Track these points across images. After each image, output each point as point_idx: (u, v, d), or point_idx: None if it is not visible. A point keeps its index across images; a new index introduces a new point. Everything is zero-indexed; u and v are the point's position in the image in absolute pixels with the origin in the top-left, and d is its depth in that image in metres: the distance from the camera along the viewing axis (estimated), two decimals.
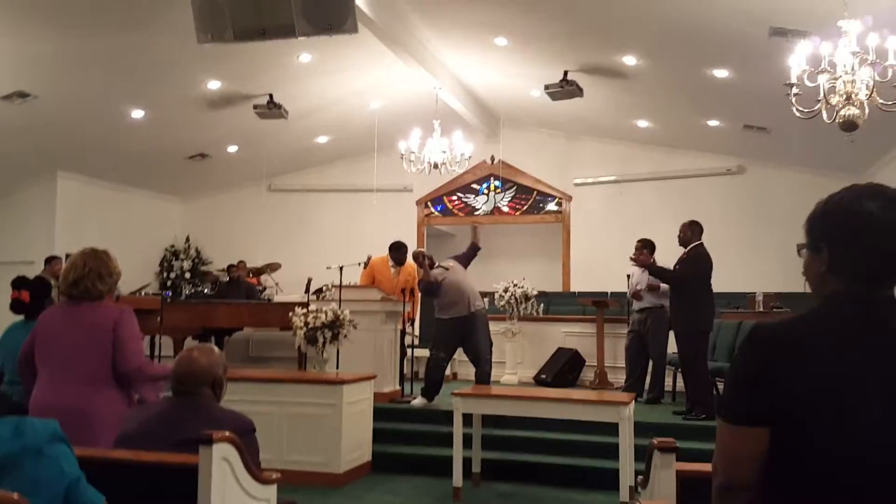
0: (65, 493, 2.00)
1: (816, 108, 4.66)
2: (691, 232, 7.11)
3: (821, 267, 1.54)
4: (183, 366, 2.78)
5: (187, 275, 12.90)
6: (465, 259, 7.50)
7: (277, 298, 10.20)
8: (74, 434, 2.79)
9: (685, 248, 7.10)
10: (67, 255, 9.56)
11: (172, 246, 13.22)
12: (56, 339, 3.29)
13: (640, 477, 2.84)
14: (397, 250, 8.10)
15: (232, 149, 11.48)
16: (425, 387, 7.13)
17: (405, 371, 7.88)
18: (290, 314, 6.53)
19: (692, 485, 2.35)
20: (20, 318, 4.05)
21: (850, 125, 4.47)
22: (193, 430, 2.56)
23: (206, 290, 11.30)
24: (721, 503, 1.49)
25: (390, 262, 8.13)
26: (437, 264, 7.39)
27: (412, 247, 12.09)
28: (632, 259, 7.49)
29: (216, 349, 2.95)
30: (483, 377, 7.06)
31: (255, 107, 9.51)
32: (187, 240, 13.30)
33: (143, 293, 10.54)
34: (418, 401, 7.11)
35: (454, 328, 7.08)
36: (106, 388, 3.25)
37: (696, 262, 6.91)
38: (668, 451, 2.44)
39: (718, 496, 1.49)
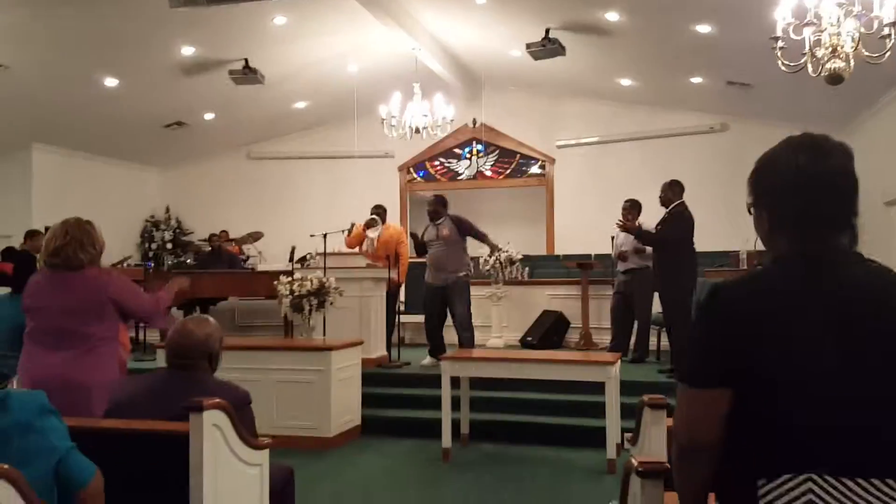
0: (56, 466, 1.98)
1: (802, 61, 4.62)
2: (672, 192, 7.10)
3: (765, 224, 1.54)
4: (178, 338, 2.73)
5: (169, 245, 12.77)
6: (466, 233, 7.55)
7: (261, 267, 10.13)
8: (68, 403, 2.77)
9: (667, 208, 7.10)
10: (45, 228, 9.45)
11: (152, 217, 13.06)
12: (42, 310, 3.25)
13: (628, 434, 2.86)
14: (375, 212, 8.03)
15: (209, 116, 11.29)
16: (430, 347, 7.50)
17: (393, 337, 7.87)
18: (275, 283, 6.48)
19: None
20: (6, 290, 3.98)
21: (835, 78, 4.44)
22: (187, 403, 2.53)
23: (188, 261, 11.20)
24: (683, 464, 1.49)
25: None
26: (435, 224, 7.53)
27: (395, 211, 12.14)
28: (618, 225, 7.51)
29: (212, 320, 2.91)
30: (463, 343, 7.26)
31: (231, 72, 9.33)
32: (167, 210, 13.14)
33: (125, 265, 10.43)
34: (427, 360, 7.36)
35: (431, 292, 7.45)
36: (97, 356, 3.22)
37: (678, 223, 6.92)
38: (658, 408, 2.45)
39: (681, 457, 1.49)
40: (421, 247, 7.63)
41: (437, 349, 7.30)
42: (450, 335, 7.61)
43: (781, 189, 1.49)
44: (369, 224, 7.84)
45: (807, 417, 1.37)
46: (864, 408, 1.36)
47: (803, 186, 1.46)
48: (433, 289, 7.45)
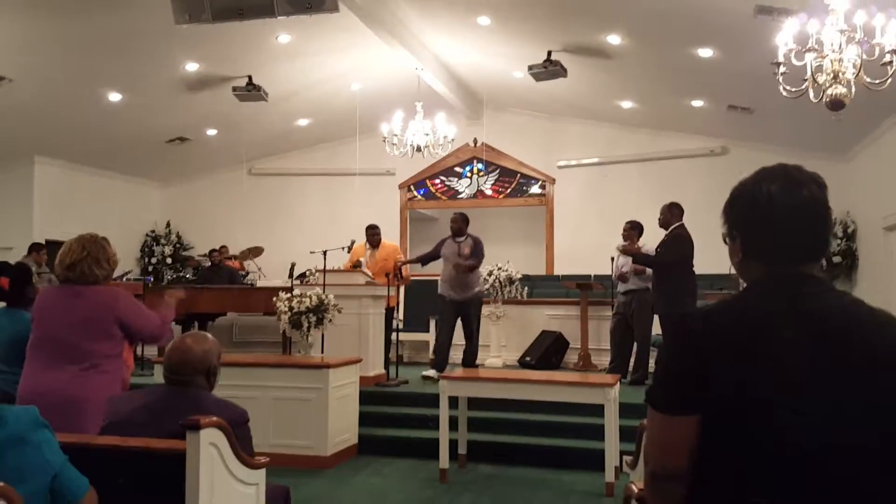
0: (51, 480, 1.97)
1: (803, 87, 4.65)
2: (671, 214, 7.13)
3: (738, 254, 1.54)
4: (176, 355, 2.71)
5: (168, 260, 12.76)
6: (479, 255, 7.77)
7: (260, 283, 10.13)
8: (67, 420, 2.76)
9: (666, 230, 7.12)
10: (46, 241, 9.46)
11: (153, 231, 13.07)
12: (52, 324, 3.25)
13: (627, 457, 2.83)
14: (370, 231, 8.05)
15: (211, 132, 11.33)
16: (436, 360, 7.75)
17: (390, 354, 7.85)
18: (275, 299, 6.47)
19: None
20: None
21: (837, 104, 4.46)
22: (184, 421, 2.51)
23: (188, 276, 11.20)
24: (654, 492, 1.48)
25: (366, 245, 8.08)
26: (456, 240, 7.73)
27: (395, 229, 12.15)
28: (619, 249, 7.55)
29: (210, 336, 2.90)
30: (469, 358, 7.63)
31: (235, 89, 9.37)
32: (168, 225, 13.15)
33: (125, 279, 10.42)
34: (432, 372, 7.53)
35: (449, 306, 7.67)
36: (99, 373, 3.21)
37: (677, 245, 6.93)
38: None
39: (652, 485, 1.48)
40: (429, 258, 7.81)
41: (443, 363, 7.52)
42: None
43: (754, 219, 1.50)
44: (372, 244, 7.95)
45: (775, 448, 1.36)
46: (833, 440, 1.35)
47: (775, 217, 1.47)
48: (451, 302, 7.58)
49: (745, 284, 1.56)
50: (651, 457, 1.47)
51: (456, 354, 8.10)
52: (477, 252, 7.68)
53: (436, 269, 11.41)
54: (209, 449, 2.48)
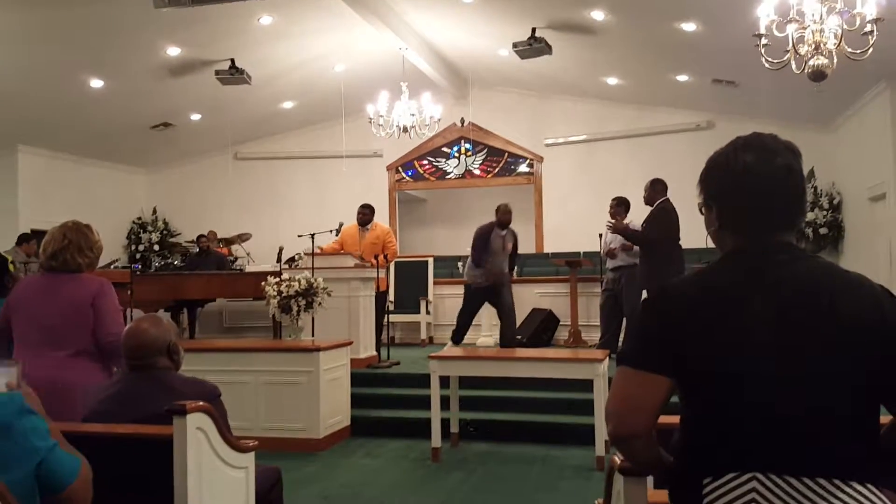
0: (36, 468, 1.96)
1: (785, 58, 4.65)
2: (654, 190, 7.16)
3: (714, 223, 1.55)
4: (133, 339, 2.70)
5: (156, 247, 12.71)
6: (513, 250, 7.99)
7: (249, 268, 10.10)
8: (55, 406, 2.74)
9: (651, 206, 7.15)
10: (32, 231, 9.39)
11: (139, 218, 12.99)
12: (34, 311, 3.24)
13: None
14: (360, 210, 8.03)
15: (195, 117, 11.24)
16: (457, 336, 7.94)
17: (382, 336, 7.86)
18: (263, 284, 6.46)
19: (667, 436, 2.37)
20: None
21: (818, 75, 4.47)
22: (156, 405, 2.50)
23: (175, 262, 11.16)
24: (622, 450, 1.53)
25: (357, 225, 8.07)
26: (501, 234, 7.78)
27: (385, 210, 12.13)
28: (608, 225, 7.57)
29: (164, 318, 2.90)
30: (510, 337, 7.81)
31: (217, 73, 9.29)
32: (154, 212, 13.08)
33: (112, 267, 10.38)
34: (449, 345, 7.77)
35: (479, 291, 7.81)
36: (86, 359, 3.22)
37: (663, 220, 6.97)
38: None
39: (616, 444, 1.52)
40: (480, 251, 7.68)
41: (461, 339, 7.86)
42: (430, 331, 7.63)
43: (729, 188, 1.51)
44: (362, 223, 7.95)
45: (748, 415, 1.38)
46: (804, 405, 1.36)
47: (750, 185, 1.48)
48: (482, 288, 7.67)
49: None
50: (613, 414, 1.49)
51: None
52: (515, 245, 7.95)
53: (423, 250, 11.42)
54: (196, 434, 2.48)
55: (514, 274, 8.53)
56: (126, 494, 2.40)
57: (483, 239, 7.72)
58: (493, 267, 7.63)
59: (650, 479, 1.69)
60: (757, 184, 1.47)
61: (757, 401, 1.37)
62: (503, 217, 7.82)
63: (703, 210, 1.60)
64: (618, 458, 1.69)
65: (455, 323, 8.00)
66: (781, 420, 1.36)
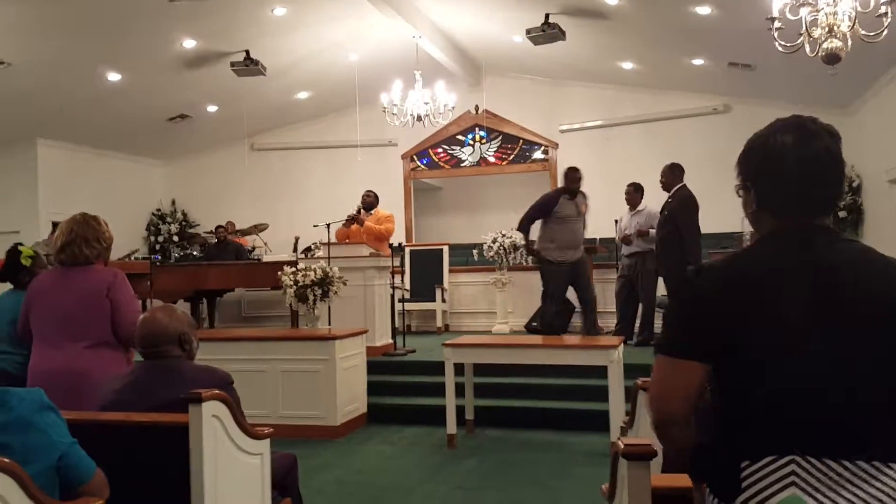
0: (57, 462, 2.01)
1: (799, 41, 4.60)
2: (672, 175, 7.10)
3: (752, 205, 1.55)
4: (145, 327, 2.75)
5: (175, 238, 12.84)
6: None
7: (266, 258, 10.19)
8: (75, 397, 2.81)
9: (668, 191, 7.10)
10: (53, 224, 9.53)
11: (159, 210, 13.12)
12: (49, 305, 3.30)
13: (626, 417, 2.87)
14: (365, 194, 8.16)
15: (212, 108, 11.32)
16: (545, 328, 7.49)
17: (397, 325, 7.91)
18: (280, 273, 6.52)
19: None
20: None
21: (832, 58, 4.43)
22: (169, 393, 2.55)
23: (194, 253, 11.27)
24: (663, 437, 1.53)
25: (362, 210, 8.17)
26: (572, 199, 7.31)
27: (399, 199, 12.17)
28: (632, 236, 7.54)
29: (178, 308, 2.94)
30: (592, 322, 7.44)
31: (233, 64, 9.34)
32: (173, 203, 13.20)
33: (132, 258, 10.51)
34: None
35: (565, 269, 7.34)
36: (105, 350, 3.26)
37: (687, 206, 6.91)
38: None
39: (659, 430, 1.53)
40: (531, 220, 7.33)
41: (561, 328, 7.33)
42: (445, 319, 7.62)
43: (767, 170, 1.51)
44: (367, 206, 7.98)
45: (786, 397, 1.38)
46: (843, 387, 1.36)
47: (790, 168, 1.48)
48: (567, 265, 7.23)
49: (752, 237, 1.57)
50: (653, 403, 1.50)
51: (475, 323, 8.09)
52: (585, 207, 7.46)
53: (439, 239, 11.45)
54: (212, 421, 2.53)
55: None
56: (143, 482, 2.45)
57: (542, 205, 7.39)
58: (561, 233, 7.22)
59: (654, 464, 1.71)
60: (797, 166, 1.47)
61: (795, 383, 1.38)
62: (571, 184, 7.37)
63: (739, 192, 1.60)
64: (621, 443, 1.71)
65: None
66: (820, 402, 1.37)
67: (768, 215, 1.53)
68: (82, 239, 3.32)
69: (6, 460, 1.78)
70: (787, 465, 1.36)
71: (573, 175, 7.40)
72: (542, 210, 7.31)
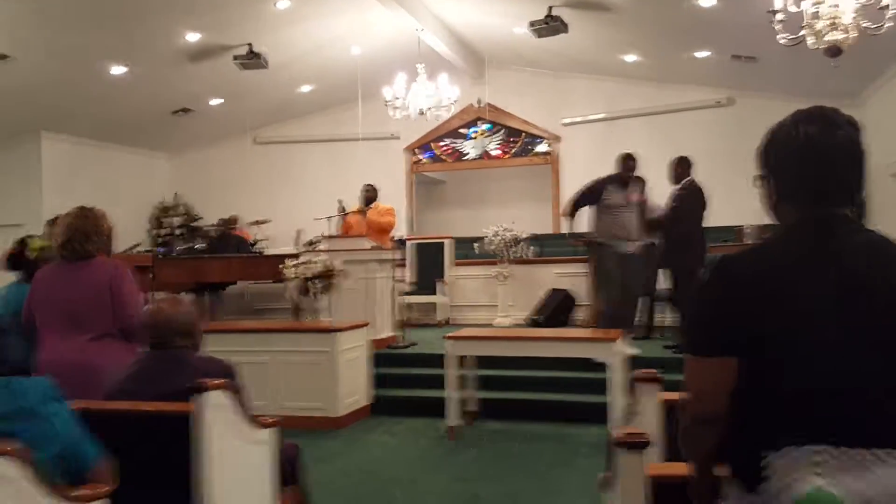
0: (60, 451, 2.03)
1: (801, 34, 4.60)
2: (681, 167, 7.07)
3: (772, 196, 1.55)
4: (151, 318, 2.78)
5: (178, 231, 12.88)
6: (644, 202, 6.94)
7: (268, 251, 10.22)
8: (83, 389, 2.83)
9: (677, 184, 7.06)
10: (57, 217, 9.58)
11: (162, 203, 13.16)
12: (55, 297, 3.33)
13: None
14: (365, 187, 8.13)
15: (215, 102, 11.33)
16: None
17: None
18: (281, 266, 6.55)
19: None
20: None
21: (834, 50, 4.42)
22: (173, 383, 2.58)
23: (198, 246, 11.30)
24: (692, 434, 1.52)
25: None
26: (625, 187, 6.68)
27: (401, 193, 12.19)
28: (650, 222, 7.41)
29: (185, 300, 2.97)
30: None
31: (236, 57, 9.35)
32: (176, 196, 13.23)
33: (134, 251, 10.54)
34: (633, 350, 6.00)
35: (623, 259, 6.72)
36: (110, 341, 3.29)
37: (692, 198, 6.88)
38: (649, 382, 2.49)
39: (691, 429, 1.51)
40: (577, 205, 6.73)
41: (645, 328, 6.72)
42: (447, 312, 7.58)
43: (791, 160, 1.51)
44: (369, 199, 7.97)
45: (809, 386, 1.38)
46: (867, 378, 1.37)
47: (813, 158, 1.48)
48: (625, 256, 6.65)
49: (766, 229, 1.56)
50: (690, 402, 1.50)
51: (476, 316, 8.03)
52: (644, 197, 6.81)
53: (442, 232, 11.44)
54: (216, 410, 2.55)
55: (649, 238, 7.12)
56: (148, 470, 2.48)
57: (588, 190, 6.80)
58: (615, 222, 6.62)
59: (649, 452, 1.73)
60: (819, 156, 1.47)
61: (819, 372, 1.38)
62: (624, 171, 6.74)
63: (759, 183, 1.60)
64: (616, 433, 1.73)
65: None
66: (843, 391, 1.37)
67: (789, 206, 1.52)
68: (82, 234, 3.35)
69: (16, 446, 1.80)
70: (812, 454, 1.37)
71: (626, 163, 6.78)
72: (588, 196, 6.68)
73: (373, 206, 8.00)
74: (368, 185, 8.18)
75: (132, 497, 2.20)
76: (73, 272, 3.33)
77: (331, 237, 7.41)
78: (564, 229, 7.13)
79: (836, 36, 4.35)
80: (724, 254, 1.55)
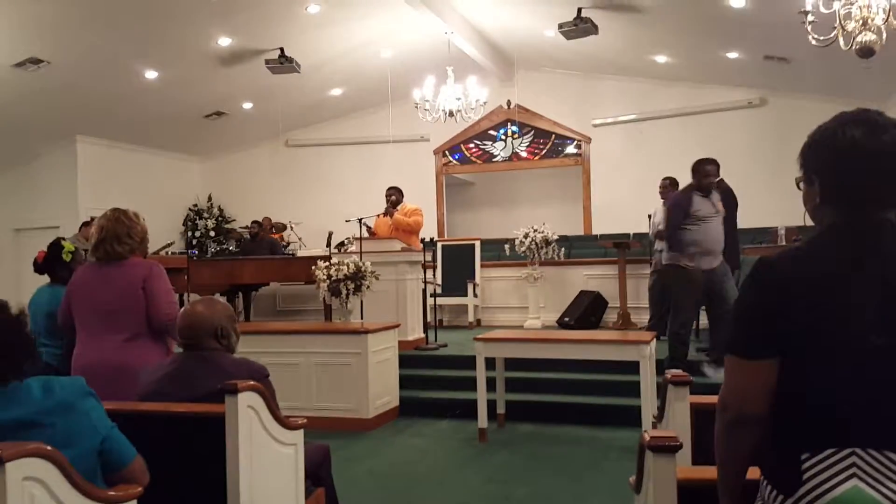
0: (99, 446, 2.08)
1: (832, 35, 4.54)
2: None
3: (815, 198, 1.54)
4: (185, 319, 2.81)
5: (212, 233, 13.06)
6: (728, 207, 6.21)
7: (300, 253, 10.32)
8: (117, 389, 2.90)
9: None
10: (92, 219, 9.74)
11: (195, 205, 13.35)
12: (89, 299, 3.39)
13: (654, 412, 2.88)
14: (388, 192, 8.06)
15: (247, 105, 11.48)
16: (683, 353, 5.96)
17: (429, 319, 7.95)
18: (313, 268, 6.61)
19: (709, 416, 2.39)
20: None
21: (866, 51, 4.36)
22: (206, 384, 2.62)
23: (231, 248, 11.45)
24: (730, 436, 1.51)
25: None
26: (707, 195, 5.88)
27: (431, 196, 12.23)
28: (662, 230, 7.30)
29: (220, 301, 3.00)
30: (720, 342, 5.89)
31: (267, 62, 9.47)
32: (209, 198, 13.42)
33: (167, 252, 10.71)
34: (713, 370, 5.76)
35: (702, 278, 5.87)
36: (145, 342, 3.35)
37: (730, 199, 6.82)
38: (681, 385, 2.48)
39: (729, 431, 1.50)
40: (676, 228, 5.85)
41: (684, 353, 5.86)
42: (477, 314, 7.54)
43: (835, 163, 1.49)
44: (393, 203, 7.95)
45: (848, 390, 1.38)
46: None
47: (857, 161, 1.46)
48: (704, 274, 5.81)
49: (800, 231, 1.54)
50: (728, 404, 1.49)
51: (507, 318, 7.99)
52: (729, 203, 6.17)
53: (471, 234, 11.44)
54: (247, 412, 2.60)
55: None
56: (179, 471, 2.52)
57: (676, 208, 5.91)
58: (702, 235, 5.78)
59: (680, 455, 1.73)
60: (864, 159, 1.46)
61: (858, 376, 1.38)
62: (703, 178, 5.87)
63: (799, 185, 1.59)
64: (647, 436, 1.73)
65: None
66: (882, 395, 1.37)
67: (832, 209, 1.51)
68: (114, 236, 3.39)
69: (48, 447, 1.84)
70: (849, 458, 1.36)
71: (703, 168, 5.89)
72: (680, 213, 5.87)
73: (399, 207, 8.01)
74: (391, 188, 8.09)
75: (162, 498, 2.24)
76: (108, 273, 3.39)
77: (362, 239, 7.45)
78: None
79: (868, 36, 4.29)
80: (761, 255, 1.55)
